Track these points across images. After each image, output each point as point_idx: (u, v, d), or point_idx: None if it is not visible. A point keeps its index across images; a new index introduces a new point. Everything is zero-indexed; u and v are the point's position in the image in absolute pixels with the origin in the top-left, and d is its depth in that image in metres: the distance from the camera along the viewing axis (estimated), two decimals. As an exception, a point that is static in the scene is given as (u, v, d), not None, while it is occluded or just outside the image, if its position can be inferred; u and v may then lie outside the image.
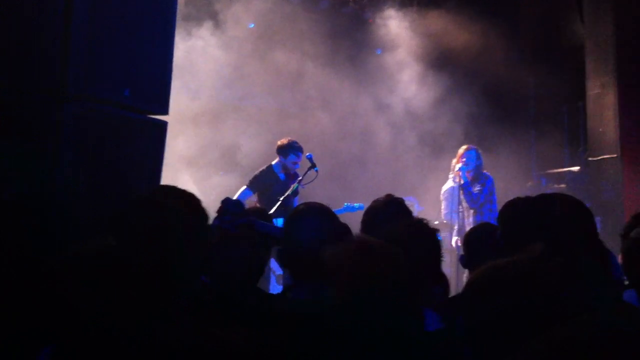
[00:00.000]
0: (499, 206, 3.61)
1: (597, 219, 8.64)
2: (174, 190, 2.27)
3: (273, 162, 7.64)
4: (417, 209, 9.68)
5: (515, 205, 2.49)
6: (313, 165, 7.36)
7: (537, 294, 1.61)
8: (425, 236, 2.76)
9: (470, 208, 7.76)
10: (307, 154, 7.49)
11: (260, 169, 7.64)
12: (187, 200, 2.19)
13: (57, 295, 1.83)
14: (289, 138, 7.64)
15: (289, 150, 7.53)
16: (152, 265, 1.95)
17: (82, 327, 1.73)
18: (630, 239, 2.40)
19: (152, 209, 2.07)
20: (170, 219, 2.02)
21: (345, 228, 2.89)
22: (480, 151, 7.98)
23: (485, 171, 7.97)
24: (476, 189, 7.73)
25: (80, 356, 1.70)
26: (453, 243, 7.88)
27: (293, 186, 7.26)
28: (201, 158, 8.66)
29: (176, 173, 7.69)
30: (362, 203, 7.30)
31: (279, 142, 7.63)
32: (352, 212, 7.66)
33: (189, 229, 2.04)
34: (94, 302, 1.81)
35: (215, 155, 8.84)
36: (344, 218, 7.41)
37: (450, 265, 7.40)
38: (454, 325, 2.54)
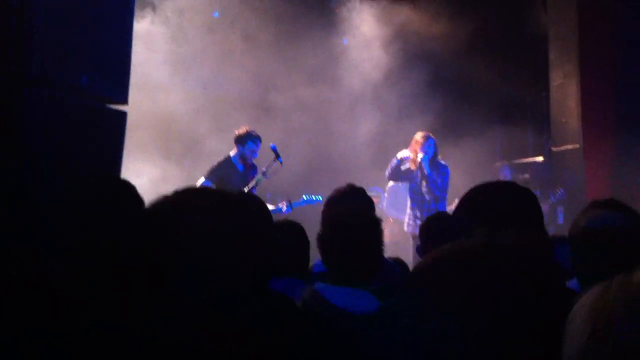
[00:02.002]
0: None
1: (560, 209, 8.83)
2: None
3: (231, 153, 7.52)
4: (384, 199, 9.71)
5: (471, 193, 2.51)
6: (277, 156, 7.32)
7: (483, 278, 1.63)
8: (363, 221, 2.81)
9: (435, 197, 7.72)
10: (271, 144, 7.45)
11: (218, 160, 7.49)
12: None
13: (51, 291, 1.82)
14: (247, 127, 7.56)
15: (247, 138, 7.43)
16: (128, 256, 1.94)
17: (78, 324, 1.72)
18: (579, 228, 2.43)
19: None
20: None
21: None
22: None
23: (440, 159, 7.96)
24: (439, 178, 7.74)
25: (78, 355, 1.68)
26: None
27: (257, 177, 7.23)
28: (160, 148, 8.57)
29: (136, 162, 7.60)
30: (322, 194, 7.27)
31: (236, 132, 7.52)
32: (311, 204, 7.63)
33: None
34: (88, 297, 1.80)
35: (173, 145, 8.76)
36: (304, 210, 7.43)
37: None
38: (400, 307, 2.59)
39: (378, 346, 2.49)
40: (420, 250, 4.00)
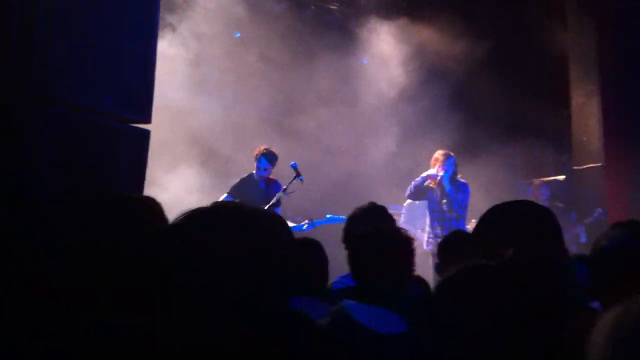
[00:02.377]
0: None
1: (581, 228, 8.76)
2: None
3: (253, 171, 7.69)
4: (404, 218, 9.68)
5: (491, 212, 2.52)
6: (298, 174, 7.37)
7: (507, 296, 1.64)
8: (397, 240, 2.79)
9: (457, 215, 7.70)
10: (291, 162, 7.50)
11: (241, 177, 7.69)
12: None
13: (54, 293, 1.84)
14: (264, 146, 7.70)
15: (256, 156, 7.63)
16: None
17: (78, 324, 1.74)
18: (599, 248, 2.42)
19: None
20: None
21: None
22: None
23: (460, 178, 7.95)
24: (459, 196, 7.73)
25: (79, 356, 1.70)
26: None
27: (278, 195, 7.27)
28: (186, 166, 8.64)
29: (159, 179, 7.71)
30: (342, 213, 7.25)
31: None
32: (333, 223, 7.64)
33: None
34: (90, 300, 1.82)
35: (199, 162, 8.82)
36: (326, 229, 7.41)
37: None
38: (421, 328, 2.58)
39: None
40: (438, 268, 3.98)
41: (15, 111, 3.48)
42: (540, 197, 8.90)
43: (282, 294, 1.71)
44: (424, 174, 7.90)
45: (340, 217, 7.71)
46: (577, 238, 8.85)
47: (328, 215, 7.89)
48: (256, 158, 7.62)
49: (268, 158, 7.58)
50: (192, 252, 1.63)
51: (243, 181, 7.63)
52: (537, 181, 9.74)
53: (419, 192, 7.97)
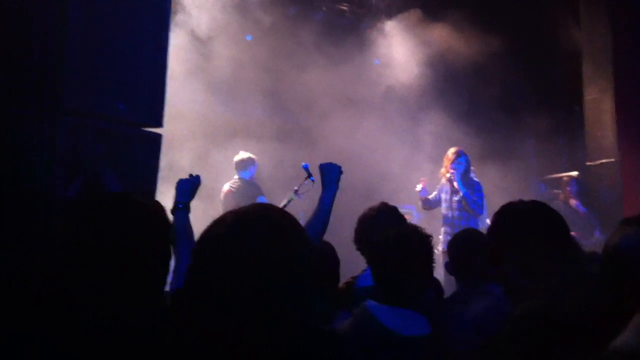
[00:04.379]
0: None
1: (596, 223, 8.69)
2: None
3: (247, 178, 8.05)
4: (416, 217, 9.67)
5: (503, 212, 2.52)
6: (309, 175, 7.34)
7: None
8: (417, 241, 2.78)
9: (468, 214, 7.71)
10: (303, 163, 7.47)
11: (254, 182, 7.90)
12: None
13: (52, 291, 1.85)
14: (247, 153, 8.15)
15: (254, 161, 8.13)
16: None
17: (78, 324, 1.75)
18: (612, 246, 2.41)
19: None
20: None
21: None
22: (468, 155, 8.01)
23: (473, 176, 7.96)
24: (474, 195, 7.73)
25: (78, 355, 1.71)
26: None
27: (290, 196, 7.25)
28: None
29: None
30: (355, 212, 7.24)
31: (246, 156, 8.12)
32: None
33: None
34: (93, 300, 1.83)
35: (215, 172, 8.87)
36: (332, 228, 7.37)
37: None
38: (442, 329, 2.57)
39: None
40: (448, 266, 3.97)
41: (31, 121, 3.52)
42: (569, 193, 8.86)
43: (299, 300, 1.69)
44: (417, 188, 8.15)
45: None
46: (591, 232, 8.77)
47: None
48: (254, 164, 8.02)
49: None
50: (204, 258, 1.63)
51: (254, 185, 7.82)
52: (565, 176, 9.61)
53: (429, 204, 8.20)
